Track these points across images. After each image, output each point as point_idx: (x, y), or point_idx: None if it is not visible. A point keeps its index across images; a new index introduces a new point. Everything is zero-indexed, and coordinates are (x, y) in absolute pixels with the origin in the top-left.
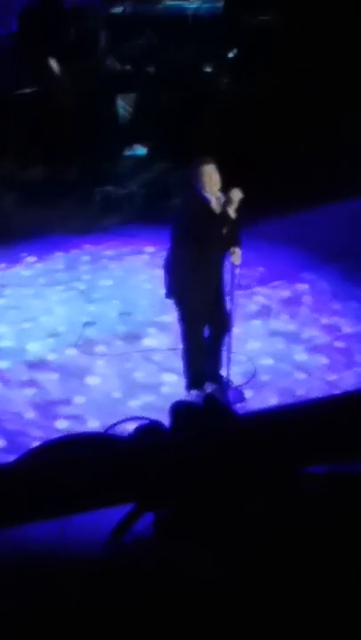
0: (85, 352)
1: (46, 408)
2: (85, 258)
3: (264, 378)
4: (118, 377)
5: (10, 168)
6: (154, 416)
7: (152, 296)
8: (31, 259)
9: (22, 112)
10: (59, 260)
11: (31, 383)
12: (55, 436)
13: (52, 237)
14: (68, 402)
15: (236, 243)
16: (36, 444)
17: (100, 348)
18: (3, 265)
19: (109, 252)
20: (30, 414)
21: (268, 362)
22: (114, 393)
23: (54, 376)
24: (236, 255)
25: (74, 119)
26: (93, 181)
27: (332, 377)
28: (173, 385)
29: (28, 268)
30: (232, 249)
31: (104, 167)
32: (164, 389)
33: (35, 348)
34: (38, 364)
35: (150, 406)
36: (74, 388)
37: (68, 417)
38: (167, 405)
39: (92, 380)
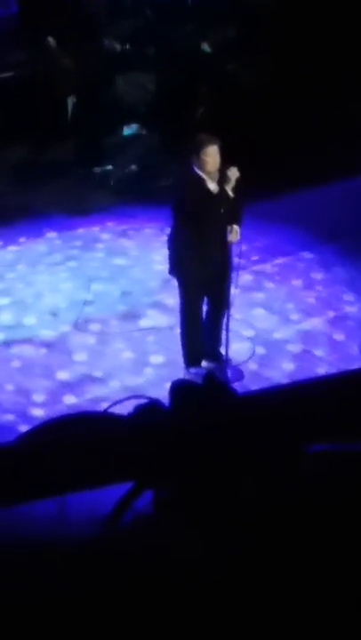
0: (81, 330)
1: (25, 382)
2: (85, 237)
3: (263, 356)
4: (105, 355)
5: (6, 148)
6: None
7: (153, 275)
8: (30, 238)
9: (18, 92)
10: (57, 239)
11: (19, 357)
12: (29, 410)
13: (51, 217)
14: (49, 376)
15: (236, 221)
16: (6, 416)
17: (96, 327)
18: (1, 243)
19: (109, 232)
20: (10, 387)
21: (267, 339)
22: (95, 372)
23: (42, 351)
24: (234, 233)
25: (72, 98)
26: (92, 160)
27: (332, 355)
28: (158, 367)
29: (27, 247)
30: (230, 227)
31: (103, 146)
32: (147, 370)
33: (31, 324)
34: (31, 339)
35: (128, 388)
36: (59, 364)
37: (46, 391)
38: (147, 388)
39: (78, 357)
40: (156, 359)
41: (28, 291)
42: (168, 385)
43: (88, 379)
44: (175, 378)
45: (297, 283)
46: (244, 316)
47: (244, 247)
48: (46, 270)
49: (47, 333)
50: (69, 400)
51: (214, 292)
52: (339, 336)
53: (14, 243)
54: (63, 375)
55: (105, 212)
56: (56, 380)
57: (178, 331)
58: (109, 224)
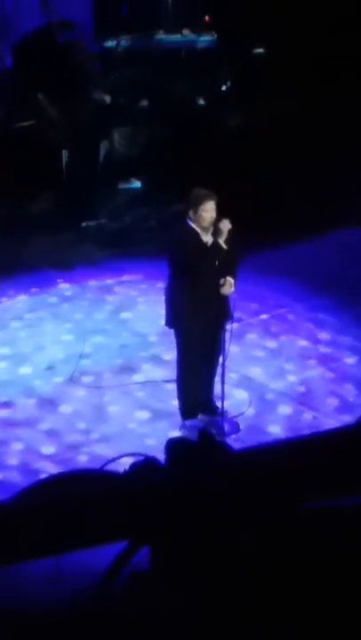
0: (75, 383)
1: (5, 431)
2: (81, 291)
3: (259, 408)
4: (92, 408)
5: (3, 203)
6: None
7: (150, 328)
8: (26, 290)
9: (15, 147)
10: (55, 293)
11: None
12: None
13: (48, 270)
14: (31, 425)
15: (231, 273)
16: None
17: (90, 380)
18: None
19: (104, 285)
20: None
21: (263, 391)
22: (79, 424)
23: (31, 401)
24: (228, 285)
25: (68, 154)
26: (88, 215)
27: (326, 408)
28: (151, 421)
29: (24, 301)
30: (222, 279)
31: (96, 200)
32: (131, 425)
33: (27, 377)
34: (25, 391)
35: (107, 438)
36: (42, 415)
37: (25, 440)
38: (141, 442)
39: (63, 409)
40: (149, 413)
41: (27, 343)
42: (164, 439)
43: (78, 432)
44: (170, 431)
45: (293, 335)
46: (239, 368)
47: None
48: (44, 323)
49: (41, 386)
50: (47, 450)
51: (209, 344)
52: (334, 388)
53: (15, 295)
54: (43, 426)
55: (99, 266)
56: (43, 433)
57: (174, 384)
58: (103, 277)
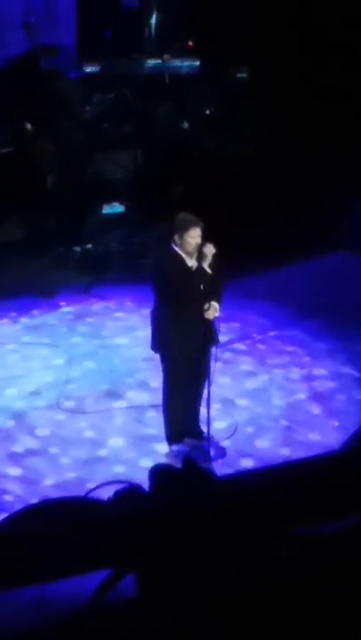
0: (60, 408)
1: None
2: (65, 314)
3: (245, 432)
4: (81, 435)
5: None
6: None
7: (136, 353)
8: (10, 317)
9: None
10: (38, 318)
11: None
12: None
13: (31, 296)
14: (20, 452)
15: (216, 297)
16: None
17: (74, 405)
18: None
19: (90, 310)
20: None
21: (248, 417)
22: (51, 448)
23: (10, 423)
24: (212, 309)
25: (50, 179)
26: (71, 239)
27: (312, 433)
28: (134, 446)
29: (7, 326)
30: (207, 304)
31: (82, 225)
32: (102, 452)
33: (9, 404)
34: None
35: (81, 462)
36: (30, 441)
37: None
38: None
39: (40, 432)
40: (134, 438)
41: (10, 367)
42: (145, 464)
43: (67, 458)
44: (152, 459)
45: (278, 359)
46: (224, 393)
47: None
48: (23, 349)
49: (26, 411)
50: (13, 472)
51: (195, 368)
52: (320, 413)
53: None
54: (17, 448)
55: (85, 291)
56: (28, 458)
57: (159, 410)
58: (88, 303)
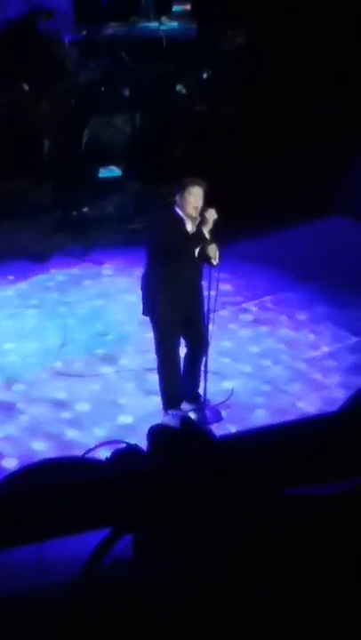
0: (57, 373)
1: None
2: (61, 279)
3: (241, 396)
4: (80, 398)
5: None
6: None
7: (130, 317)
8: (6, 279)
9: None
10: (34, 281)
11: None
12: None
13: (26, 259)
14: (22, 419)
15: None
16: None
17: (71, 369)
18: None
19: (85, 274)
20: None
21: (245, 380)
22: (69, 414)
23: (18, 393)
24: (213, 249)
25: (47, 143)
26: (68, 203)
27: (310, 396)
28: (132, 409)
29: (3, 288)
30: (210, 246)
31: (78, 189)
32: (123, 413)
33: (4, 368)
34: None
35: (103, 431)
36: (32, 407)
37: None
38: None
39: (52, 400)
40: (131, 401)
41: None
42: (146, 427)
43: (62, 422)
44: (149, 421)
45: (277, 322)
46: (222, 356)
47: (213, 292)
48: (20, 313)
49: (23, 376)
50: (42, 444)
51: (190, 333)
52: (318, 375)
53: None
54: (38, 417)
55: (81, 254)
56: (28, 422)
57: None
58: (87, 266)
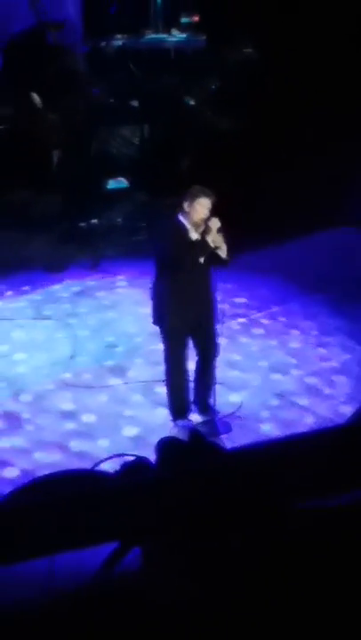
0: (66, 384)
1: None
2: (71, 290)
3: (251, 407)
4: (90, 410)
5: None
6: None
7: (140, 328)
8: (16, 292)
9: (3, 146)
10: (43, 293)
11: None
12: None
13: (36, 271)
14: (31, 429)
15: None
16: None
17: (81, 381)
18: None
19: (95, 285)
20: None
21: (255, 391)
22: (79, 426)
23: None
24: (218, 240)
25: (56, 154)
26: (76, 214)
27: (318, 409)
28: (142, 422)
29: (12, 301)
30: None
31: (88, 200)
32: (132, 425)
33: (15, 378)
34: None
35: (112, 443)
36: (41, 418)
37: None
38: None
39: (62, 411)
40: (139, 413)
41: (18, 343)
42: (154, 439)
43: (69, 433)
44: (157, 433)
45: (284, 333)
46: (230, 367)
47: (226, 306)
48: (32, 324)
49: (31, 387)
50: (48, 455)
51: (200, 340)
52: (327, 388)
53: (1, 295)
54: (45, 428)
55: (91, 266)
56: (35, 433)
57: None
58: (96, 278)
